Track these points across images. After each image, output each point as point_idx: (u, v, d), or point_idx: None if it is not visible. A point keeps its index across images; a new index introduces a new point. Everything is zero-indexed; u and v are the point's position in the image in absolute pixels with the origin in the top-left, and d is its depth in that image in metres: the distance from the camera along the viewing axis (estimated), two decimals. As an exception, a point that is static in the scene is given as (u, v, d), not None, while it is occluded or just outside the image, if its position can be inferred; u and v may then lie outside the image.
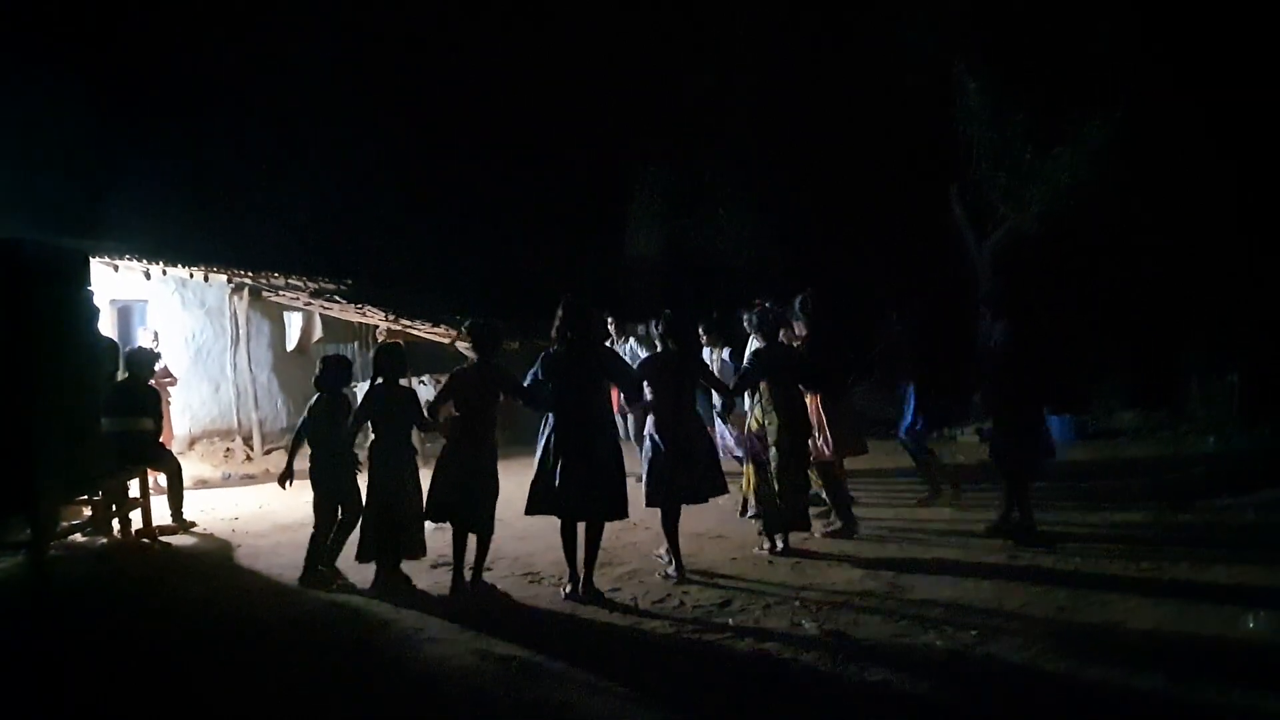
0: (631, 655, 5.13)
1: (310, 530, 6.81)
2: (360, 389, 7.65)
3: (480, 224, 20.44)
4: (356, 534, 6.61)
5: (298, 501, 10.26)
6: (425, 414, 6.62)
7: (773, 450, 7.16)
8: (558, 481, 6.07)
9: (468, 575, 6.37)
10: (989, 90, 15.22)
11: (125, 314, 13.32)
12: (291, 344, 14.68)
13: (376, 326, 14.13)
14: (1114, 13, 14.22)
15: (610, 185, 20.36)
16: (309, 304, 14.36)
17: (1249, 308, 13.73)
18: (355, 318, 14.53)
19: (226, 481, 12.13)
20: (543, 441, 6.23)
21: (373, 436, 6.61)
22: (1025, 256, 15.60)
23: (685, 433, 6.62)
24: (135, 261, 12.43)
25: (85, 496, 8.13)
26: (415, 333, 13.65)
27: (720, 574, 6.73)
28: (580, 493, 6.08)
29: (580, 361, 6.22)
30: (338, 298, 14.90)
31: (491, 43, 20.54)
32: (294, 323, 14.63)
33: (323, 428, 6.77)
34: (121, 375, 8.99)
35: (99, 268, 11.25)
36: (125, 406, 8.63)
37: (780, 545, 7.22)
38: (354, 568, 6.61)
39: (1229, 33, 13.72)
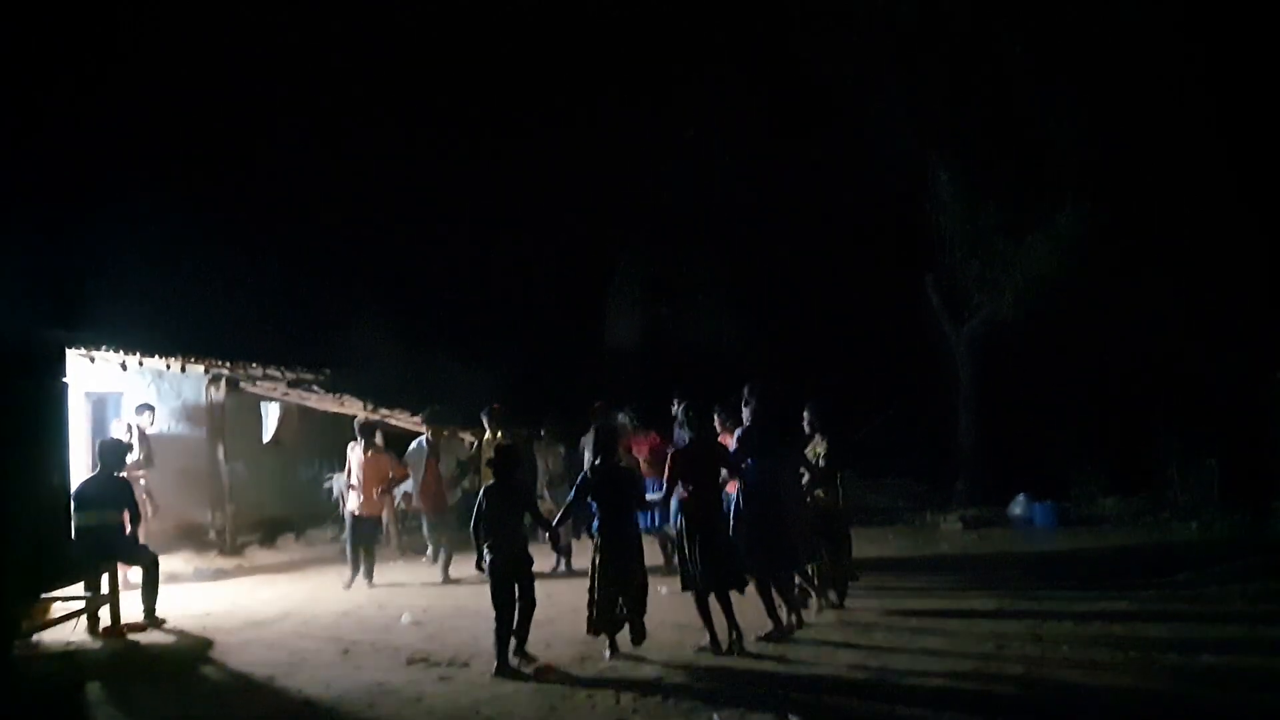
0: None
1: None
2: None
3: (459, 309, 20.44)
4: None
5: (269, 597, 10.09)
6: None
7: None
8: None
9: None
10: (961, 180, 15.52)
11: (100, 405, 13.15)
12: (268, 435, 14.54)
13: (355, 416, 14.01)
14: (1083, 105, 14.62)
15: (588, 273, 20.53)
16: (287, 394, 14.25)
17: (1226, 392, 13.86)
18: (333, 407, 14.42)
19: (199, 576, 11.85)
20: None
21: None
22: (1002, 344, 15.74)
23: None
24: (111, 352, 12.31)
25: (53, 594, 7.91)
26: (394, 423, 13.55)
27: (706, 665, 6.60)
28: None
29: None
30: (315, 387, 14.79)
31: (469, 129, 20.80)
32: (271, 413, 14.50)
33: (498, 513, 6.84)
34: (93, 469, 8.83)
35: (74, 358, 11.14)
36: (96, 500, 8.47)
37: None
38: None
39: (1199, 122, 14.10)
